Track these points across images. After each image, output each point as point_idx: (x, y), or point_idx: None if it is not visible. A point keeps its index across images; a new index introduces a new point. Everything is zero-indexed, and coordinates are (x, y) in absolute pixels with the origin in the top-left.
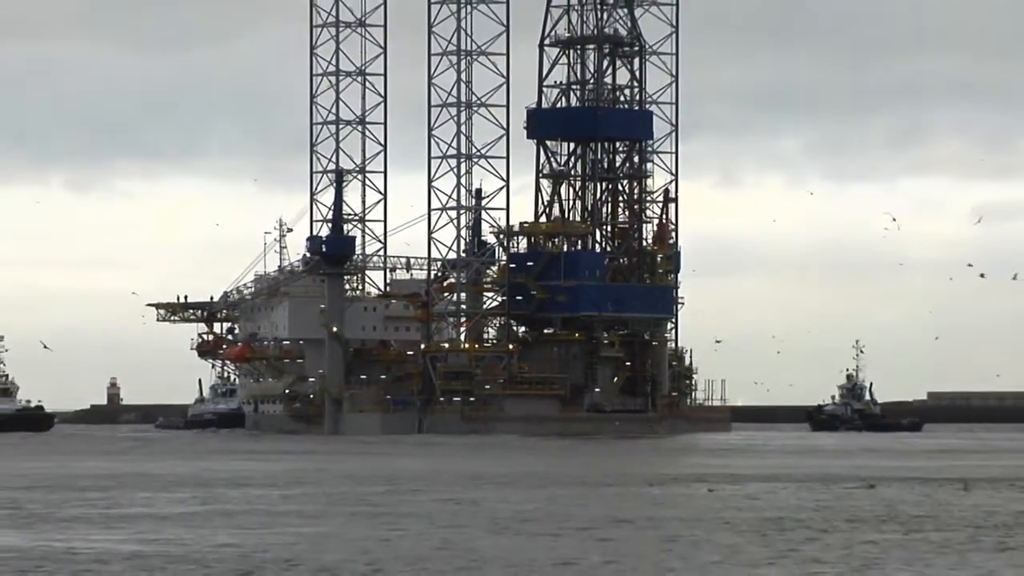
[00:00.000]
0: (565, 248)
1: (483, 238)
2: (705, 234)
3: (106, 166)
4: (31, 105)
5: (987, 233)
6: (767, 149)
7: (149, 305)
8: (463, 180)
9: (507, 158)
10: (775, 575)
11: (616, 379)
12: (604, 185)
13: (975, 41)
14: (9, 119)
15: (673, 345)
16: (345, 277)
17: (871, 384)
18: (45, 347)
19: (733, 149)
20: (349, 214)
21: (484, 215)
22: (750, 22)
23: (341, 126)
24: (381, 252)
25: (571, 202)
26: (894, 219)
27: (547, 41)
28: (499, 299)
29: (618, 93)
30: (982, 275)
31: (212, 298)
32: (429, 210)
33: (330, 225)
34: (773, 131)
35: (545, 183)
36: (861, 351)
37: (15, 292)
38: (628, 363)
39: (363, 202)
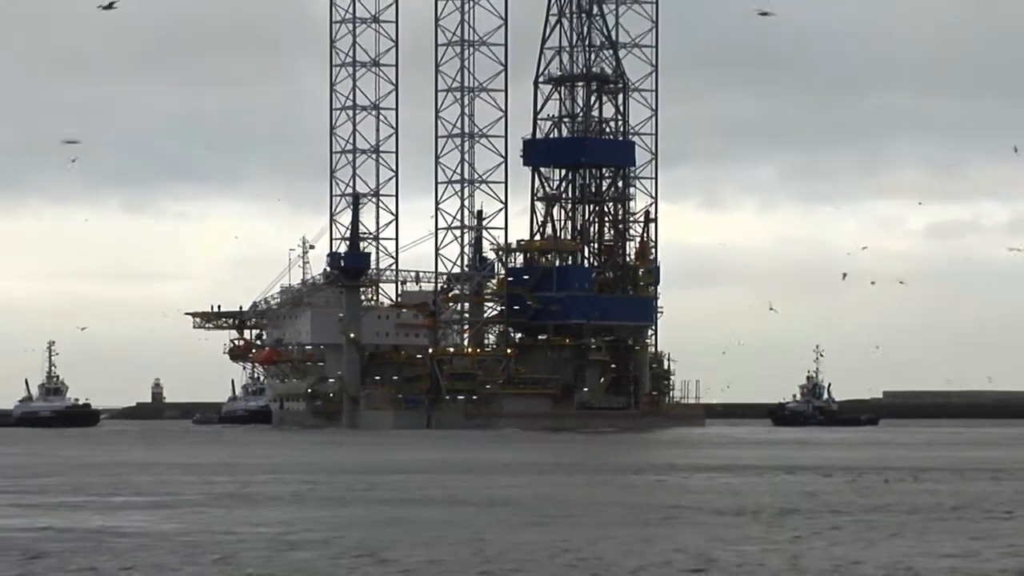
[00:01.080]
0: (557, 263)
1: (484, 254)
2: (689, 249)
3: (157, 190)
4: (93, 135)
5: (938, 248)
6: (745, 175)
7: (187, 314)
8: (466, 203)
9: (505, 183)
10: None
11: (603, 380)
12: (592, 207)
13: (929, 80)
14: (72, 147)
15: (653, 349)
16: (361, 289)
17: (829, 384)
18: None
19: (715, 175)
20: (364, 233)
21: (485, 234)
22: (728, 63)
23: (358, 155)
24: (393, 267)
25: (562, 222)
26: (864, 247)
27: (541, 79)
28: (498, 308)
29: (604, 125)
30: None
31: (242, 307)
32: (436, 229)
33: (348, 243)
34: (750, 160)
35: (539, 205)
36: (821, 355)
37: (70, 302)
38: (613, 365)
39: (377, 222)
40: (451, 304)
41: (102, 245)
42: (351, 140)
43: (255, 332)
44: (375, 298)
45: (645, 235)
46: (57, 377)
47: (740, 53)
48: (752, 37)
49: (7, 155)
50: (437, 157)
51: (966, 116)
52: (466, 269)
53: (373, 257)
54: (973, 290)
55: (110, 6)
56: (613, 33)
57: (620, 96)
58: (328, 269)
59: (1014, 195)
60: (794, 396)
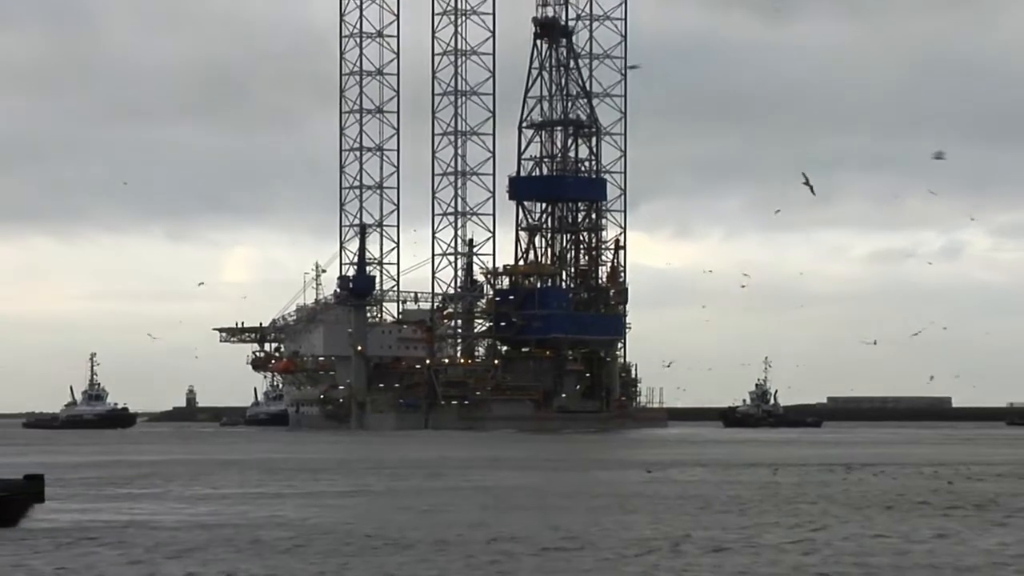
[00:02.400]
0: (539, 285)
1: (475, 277)
2: (660, 273)
3: (198, 220)
4: (142, 172)
5: (881, 272)
6: (712, 208)
7: (215, 329)
8: (459, 232)
9: (493, 215)
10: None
11: (578, 387)
12: (568, 236)
13: (876, 122)
14: (126, 177)
15: (622, 360)
16: (367, 307)
17: (775, 391)
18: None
19: (686, 208)
20: (370, 258)
21: (475, 260)
22: (695, 109)
23: (364, 190)
24: (395, 288)
25: (543, 249)
26: (800, 273)
27: (524, 124)
28: (487, 325)
29: (579, 165)
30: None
31: (262, 324)
32: (432, 255)
33: (355, 267)
34: (717, 194)
35: (523, 235)
36: (769, 365)
37: (119, 318)
38: (588, 374)
39: (381, 249)
40: (446, 321)
41: (146, 269)
42: (358, 177)
43: (274, 345)
44: (379, 315)
45: (615, 260)
46: (98, 384)
47: (705, 101)
48: (715, 87)
49: (69, 190)
50: (434, 192)
51: (907, 155)
52: (459, 290)
53: (377, 280)
54: (908, 308)
55: None
56: (587, 84)
57: (593, 139)
58: (338, 290)
59: (948, 226)
60: (744, 400)
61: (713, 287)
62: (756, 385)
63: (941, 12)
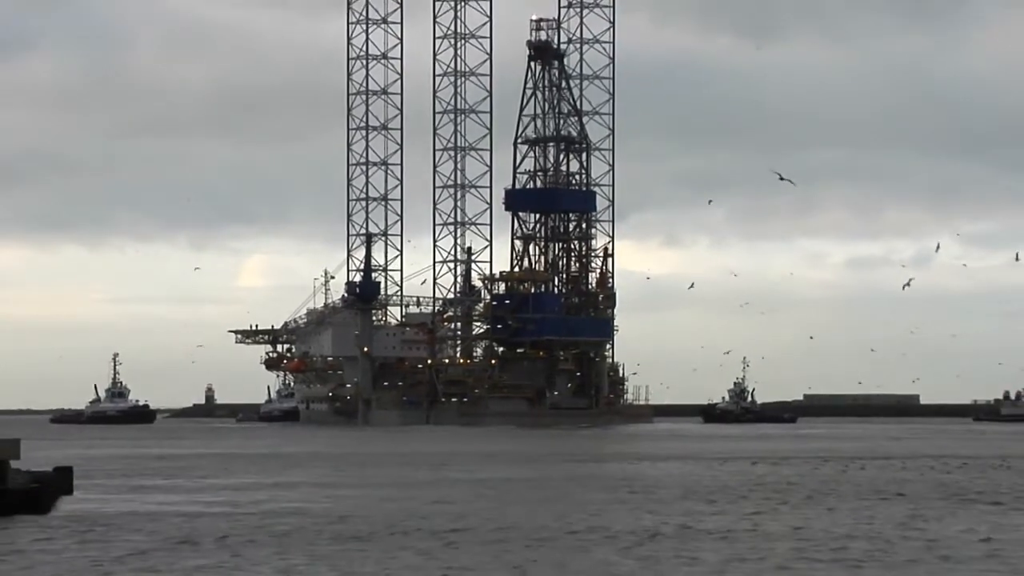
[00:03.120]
0: (532, 290)
1: (473, 283)
2: (651, 279)
3: (219, 230)
4: (167, 184)
5: (858, 278)
6: (699, 218)
7: (230, 331)
8: (458, 241)
9: (490, 225)
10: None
11: (569, 385)
12: (560, 245)
13: (854, 137)
14: (150, 196)
15: (611, 360)
16: (372, 311)
17: (753, 388)
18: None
19: (674, 218)
20: (376, 266)
21: (473, 267)
22: (683, 124)
23: (370, 202)
24: (399, 293)
25: (536, 257)
26: (791, 273)
27: (519, 140)
28: (484, 327)
29: (570, 178)
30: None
31: (274, 326)
32: (434, 262)
33: (362, 273)
34: (704, 205)
35: (518, 243)
36: (747, 364)
37: (141, 321)
38: (578, 373)
39: (386, 257)
40: (446, 323)
41: (170, 275)
42: (364, 190)
43: (286, 346)
44: (384, 318)
45: (604, 267)
46: (121, 383)
47: (691, 119)
48: (700, 106)
49: (97, 200)
50: (435, 204)
51: (884, 169)
52: (458, 295)
53: (382, 285)
54: (881, 312)
55: None
56: (578, 103)
57: (584, 154)
58: (346, 295)
59: (919, 234)
60: (723, 398)
61: (699, 293)
62: (735, 383)
63: (911, 37)
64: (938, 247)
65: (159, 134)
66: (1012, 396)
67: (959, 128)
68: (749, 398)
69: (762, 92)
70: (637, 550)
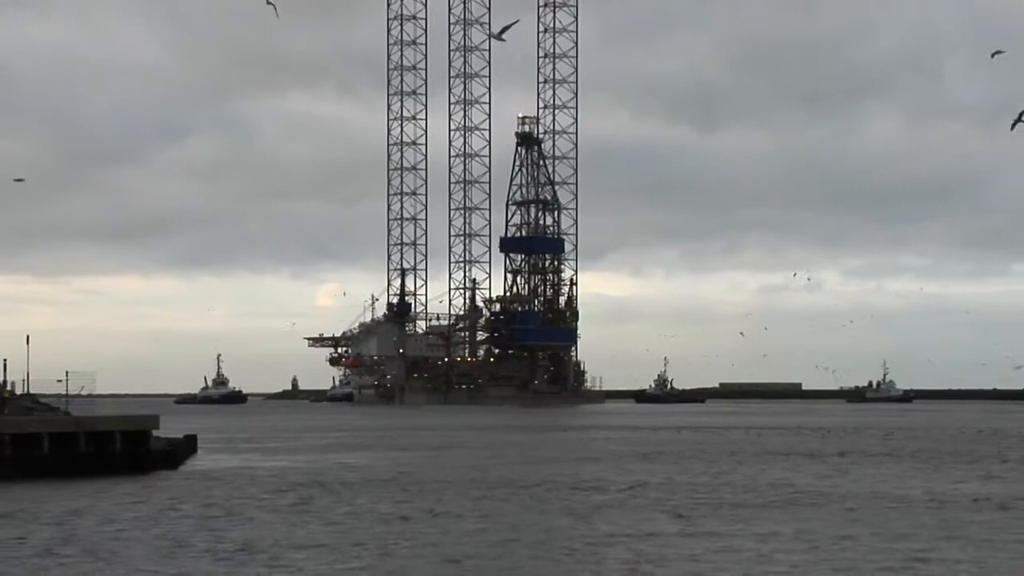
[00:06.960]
0: (519, 309)
1: (477, 304)
2: (612, 301)
3: (312, 265)
4: (277, 232)
5: (767, 300)
6: (655, 256)
7: (305, 338)
8: (467, 274)
9: (490, 263)
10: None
11: (546, 376)
12: (539, 277)
13: (768, 200)
14: (264, 241)
15: (576, 359)
16: (406, 323)
17: (672, 379)
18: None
19: (640, 256)
20: (408, 291)
21: (477, 292)
22: (638, 191)
23: (404, 246)
24: (424, 311)
25: (522, 285)
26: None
27: (510, 202)
28: (486, 335)
29: (546, 229)
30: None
31: (333, 335)
32: (449, 289)
33: (398, 297)
34: (657, 248)
35: (509, 276)
36: (667, 361)
37: (246, 333)
38: (552, 368)
39: (415, 285)
40: (458, 332)
41: (272, 297)
42: (399, 237)
43: (344, 348)
44: (414, 328)
45: (570, 292)
46: (222, 374)
47: (645, 186)
48: (651, 176)
49: (227, 244)
50: (450, 247)
51: (787, 222)
52: (467, 312)
53: (413, 305)
54: (779, 325)
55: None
56: (552, 176)
57: (556, 213)
58: (387, 312)
59: (814, 267)
60: (650, 385)
61: (648, 311)
62: (658, 375)
63: (813, 128)
64: (795, 274)
65: (275, 196)
66: (874, 385)
67: (841, 192)
68: (669, 386)
69: (702, 164)
70: (584, 495)
